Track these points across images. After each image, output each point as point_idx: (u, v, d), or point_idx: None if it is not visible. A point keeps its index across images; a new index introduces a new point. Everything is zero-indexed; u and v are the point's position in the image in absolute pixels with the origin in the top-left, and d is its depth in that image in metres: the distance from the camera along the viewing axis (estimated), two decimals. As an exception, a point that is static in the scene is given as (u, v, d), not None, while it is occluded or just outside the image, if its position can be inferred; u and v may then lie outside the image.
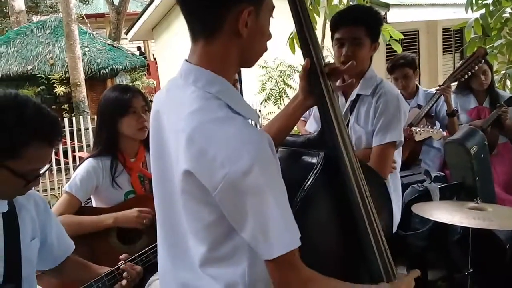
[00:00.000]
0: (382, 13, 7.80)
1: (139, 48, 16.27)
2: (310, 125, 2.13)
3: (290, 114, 1.33)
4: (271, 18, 1.07)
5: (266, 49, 1.08)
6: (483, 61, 3.06)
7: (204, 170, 0.91)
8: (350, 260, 1.31)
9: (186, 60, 1.05)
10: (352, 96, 1.99)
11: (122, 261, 1.63)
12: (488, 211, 1.98)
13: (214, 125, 0.92)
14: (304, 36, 1.24)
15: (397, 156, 2.08)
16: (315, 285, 1.00)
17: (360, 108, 1.98)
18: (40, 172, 1.29)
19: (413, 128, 2.94)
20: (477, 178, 2.42)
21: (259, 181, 0.89)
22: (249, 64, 1.10)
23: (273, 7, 1.07)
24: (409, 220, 2.49)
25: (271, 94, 7.78)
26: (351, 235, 1.27)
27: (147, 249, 1.72)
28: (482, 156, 2.42)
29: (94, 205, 2.06)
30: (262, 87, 7.83)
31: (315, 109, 2.09)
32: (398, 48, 4.91)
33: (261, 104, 7.81)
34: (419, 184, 2.58)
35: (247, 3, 0.97)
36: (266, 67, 7.41)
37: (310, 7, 4.58)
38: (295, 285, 0.96)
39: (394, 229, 2.13)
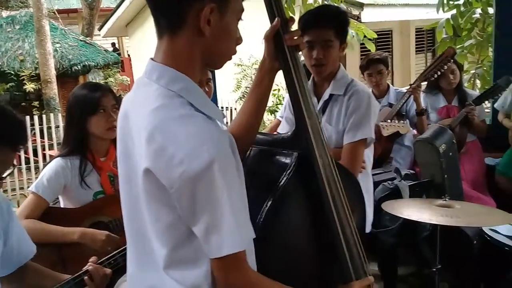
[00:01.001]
0: (356, 12, 7.89)
1: (113, 44, 15.99)
2: (282, 128, 2.13)
3: (260, 81, 1.31)
4: (240, 21, 1.07)
5: (234, 52, 1.08)
6: (451, 60, 3.12)
7: (163, 168, 0.91)
8: (323, 260, 1.32)
9: (151, 58, 1.04)
10: (325, 97, 2.01)
11: (90, 264, 1.59)
12: (455, 208, 2.02)
13: (175, 123, 0.92)
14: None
15: (370, 154, 2.10)
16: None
17: (333, 108, 2.00)
18: (3, 176, 1.26)
19: (380, 123, 2.98)
20: (445, 175, 2.47)
21: (216, 180, 0.89)
22: (215, 65, 1.09)
23: (242, 9, 1.06)
24: (380, 218, 2.53)
25: (246, 92, 7.78)
26: (325, 235, 1.27)
27: (116, 252, 1.68)
28: (450, 154, 2.47)
29: (62, 205, 2.02)
30: (237, 85, 7.83)
31: (287, 111, 2.11)
32: (371, 47, 5.00)
33: (236, 102, 7.81)
34: (389, 182, 2.62)
35: (209, 0, 0.96)
36: (241, 65, 7.42)
37: (285, 5, 4.61)
38: (239, 287, 0.97)
39: (368, 229, 2.16)
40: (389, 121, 3.00)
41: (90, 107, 1.93)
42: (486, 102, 3.38)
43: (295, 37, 1.25)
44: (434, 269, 2.20)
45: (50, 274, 1.58)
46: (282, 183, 1.24)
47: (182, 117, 0.93)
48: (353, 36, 4.70)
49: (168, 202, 0.93)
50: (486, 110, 3.80)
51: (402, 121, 3.02)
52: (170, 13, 0.98)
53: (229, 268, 0.95)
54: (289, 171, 1.26)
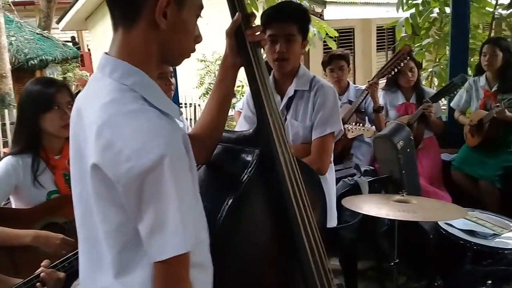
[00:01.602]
0: (319, 10, 7.97)
1: (72, 38, 15.55)
2: (241, 126, 2.12)
3: (223, 77, 1.29)
4: (199, 18, 1.05)
5: (192, 50, 1.06)
6: (409, 58, 3.20)
7: (110, 163, 0.88)
8: (284, 258, 1.31)
9: (105, 52, 1.01)
10: (290, 93, 2.01)
11: (42, 268, 1.53)
12: (412, 204, 2.07)
13: (125, 118, 0.89)
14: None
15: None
16: None
17: (298, 104, 2.01)
18: None
19: (346, 126, 3.04)
20: (403, 171, 2.53)
21: (164, 177, 0.87)
22: (172, 61, 1.07)
23: (201, 6, 1.04)
24: (340, 213, 2.56)
25: (209, 88, 7.75)
26: (286, 233, 1.27)
27: (70, 254, 1.62)
28: (408, 150, 2.52)
29: (13, 206, 1.93)
30: (200, 81, 7.76)
31: (246, 109, 2.10)
32: (333, 45, 5.06)
33: (199, 98, 7.74)
34: (349, 178, 2.66)
35: None
36: (204, 61, 7.36)
37: (249, 1, 4.59)
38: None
39: (335, 223, 2.18)
40: (354, 124, 3.05)
41: (44, 104, 1.85)
42: (443, 99, 3.48)
43: (257, 33, 1.24)
44: (392, 263, 2.24)
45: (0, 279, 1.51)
46: (243, 180, 1.22)
47: (133, 111, 0.90)
48: (315, 34, 4.74)
49: (117, 201, 0.90)
50: (443, 108, 3.92)
51: (366, 124, 3.07)
52: (125, 5, 0.96)
53: (169, 273, 0.91)
54: (250, 168, 1.25)
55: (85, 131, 0.96)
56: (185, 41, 1.02)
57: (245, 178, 1.23)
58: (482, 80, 3.34)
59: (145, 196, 0.87)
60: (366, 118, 3.30)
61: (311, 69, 8.40)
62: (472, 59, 4.59)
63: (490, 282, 1.88)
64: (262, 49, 1.36)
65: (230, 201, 1.18)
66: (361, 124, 3.05)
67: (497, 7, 4.95)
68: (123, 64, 0.96)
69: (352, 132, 3.03)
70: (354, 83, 3.59)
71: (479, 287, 1.87)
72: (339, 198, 2.38)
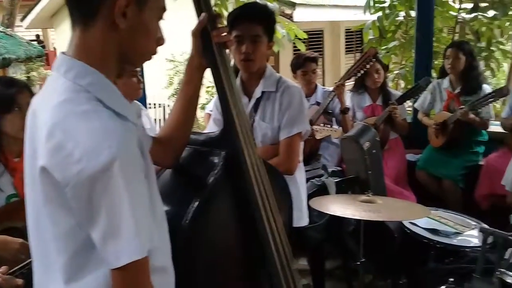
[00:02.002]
0: (289, 12, 8.01)
1: (37, 36, 15.15)
2: (210, 129, 2.11)
3: (189, 78, 1.28)
4: (161, 20, 1.03)
5: (153, 52, 1.04)
6: (375, 60, 3.25)
7: (59, 165, 0.85)
8: (251, 261, 1.32)
9: (62, 52, 0.98)
10: (257, 94, 2.01)
11: (0, 274, 1.47)
12: (377, 204, 2.10)
13: (77, 119, 0.87)
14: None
15: (300, 148, 2.15)
16: None
17: (266, 105, 2.02)
18: None
19: (314, 127, 3.07)
20: (369, 172, 2.56)
21: (116, 181, 0.84)
22: (132, 63, 1.05)
23: (163, 8, 1.02)
24: (308, 214, 2.58)
25: (179, 88, 7.66)
26: (252, 236, 1.27)
27: (29, 260, 1.56)
28: (374, 151, 2.56)
29: (-30, 210, 1.86)
30: (169, 81, 7.67)
31: (215, 112, 2.10)
32: (302, 47, 5.09)
33: (168, 98, 7.66)
34: (317, 179, 2.68)
35: None
36: (173, 61, 7.28)
37: (219, 1, 4.58)
38: None
39: (306, 221, 2.19)
40: (322, 125, 3.08)
41: (4, 105, 1.79)
42: (408, 101, 3.56)
43: (223, 34, 1.23)
44: (358, 262, 2.27)
45: None
46: (209, 183, 1.22)
47: (85, 112, 0.88)
48: (284, 35, 4.76)
49: (67, 205, 0.88)
50: (408, 109, 4.01)
51: (334, 126, 3.11)
52: (83, 3, 0.94)
53: (128, 277, 0.89)
54: (216, 170, 1.24)
55: (38, 133, 0.93)
56: (145, 43, 1.00)
57: (211, 180, 1.22)
58: (445, 82, 3.43)
59: (96, 201, 0.85)
60: (334, 119, 3.35)
61: (281, 70, 8.43)
62: (436, 62, 4.70)
63: (452, 279, 1.92)
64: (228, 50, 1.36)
65: (196, 203, 1.17)
66: (329, 125, 3.09)
67: (460, 11, 5.09)
68: (78, 64, 0.94)
69: (320, 133, 3.06)
70: (324, 85, 3.64)
71: (442, 284, 1.91)
72: (307, 198, 2.39)
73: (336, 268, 3.12)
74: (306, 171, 2.89)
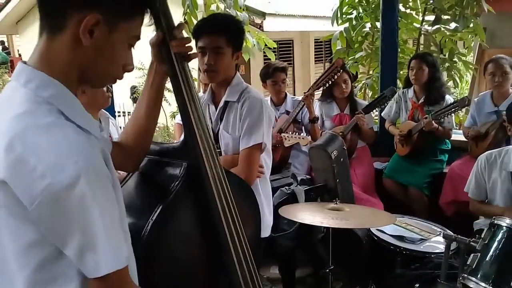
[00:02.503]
0: (259, 21, 8.09)
1: (2, 42, 14.76)
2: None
3: (150, 84, 1.27)
4: (132, 49, 1.02)
5: (118, 77, 1.01)
6: (342, 70, 3.32)
7: (21, 181, 0.82)
8: (214, 274, 1.30)
9: (23, 61, 0.95)
10: (221, 104, 2.02)
11: None
12: (345, 211, 2.14)
13: (38, 132, 0.84)
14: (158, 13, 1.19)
15: (267, 159, 2.15)
16: None
17: (229, 115, 2.01)
18: None
19: (283, 135, 3.11)
20: (337, 180, 2.61)
21: (85, 194, 0.83)
22: (92, 83, 1.02)
23: (137, 37, 1.01)
24: (278, 222, 2.60)
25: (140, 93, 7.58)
26: (215, 248, 1.26)
27: None
28: (341, 160, 2.61)
29: None
30: (138, 89, 7.59)
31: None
32: (272, 56, 5.14)
33: (138, 107, 7.58)
34: (286, 187, 2.70)
35: (97, 11, 0.90)
36: (142, 69, 7.21)
37: (188, 10, 4.58)
38: None
39: (268, 233, 2.20)
40: (290, 132, 3.12)
41: None
42: (374, 110, 3.64)
43: (183, 44, 1.23)
44: (328, 270, 2.30)
45: None
46: (170, 194, 1.21)
47: (48, 125, 0.85)
48: (254, 44, 4.80)
49: (30, 218, 0.85)
50: (375, 119, 4.10)
51: (302, 133, 3.15)
52: (53, 12, 0.92)
53: (109, 284, 0.89)
54: (177, 182, 1.23)
55: None
56: (108, 66, 0.98)
57: (172, 192, 1.21)
58: (410, 92, 3.54)
59: (66, 220, 0.83)
60: (303, 128, 3.39)
61: (252, 79, 8.47)
62: (401, 72, 4.83)
63: (417, 285, 1.98)
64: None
65: (156, 215, 1.16)
66: (297, 133, 3.13)
67: (424, 23, 5.26)
68: (40, 74, 0.91)
69: (289, 140, 3.10)
70: (294, 94, 3.69)
71: (408, 290, 1.96)
72: (277, 207, 2.41)
73: (307, 275, 3.14)
74: (276, 179, 2.92)
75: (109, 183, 0.91)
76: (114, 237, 0.88)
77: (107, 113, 2.64)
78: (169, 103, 4.83)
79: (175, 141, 1.94)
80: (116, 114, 7.13)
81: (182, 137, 1.83)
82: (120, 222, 0.94)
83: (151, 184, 1.32)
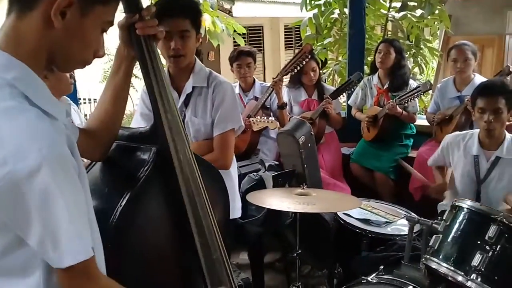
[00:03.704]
0: (228, 6, 7.99)
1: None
2: (137, 123, 2.06)
3: (117, 69, 1.24)
4: (104, 33, 0.99)
5: (87, 61, 0.99)
6: (310, 57, 3.33)
7: None
8: (185, 261, 1.29)
9: None
10: (187, 90, 1.99)
11: None
12: (312, 196, 2.16)
13: (0, 116, 0.81)
14: None
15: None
16: None
17: (197, 101, 1.99)
18: None
19: (251, 119, 3.11)
20: (305, 165, 2.62)
21: (48, 183, 0.80)
22: (61, 67, 1.00)
23: (110, 22, 0.98)
24: (247, 208, 2.60)
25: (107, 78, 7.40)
26: (185, 233, 1.24)
27: None
28: (309, 145, 2.62)
29: None
30: (105, 75, 7.41)
31: (142, 106, 2.05)
32: (241, 42, 5.09)
33: (104, 94, 7.41)
34: (254, 173, 2.70)
35: None
36: (109, 55, 7.03)
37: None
38: None
39: (239, 214, 2.20)
40: (259, 117, 3.11)
41: None
42: (342, 96, 3.67)
43: (149, 26, 1.20)
44: (295, 254, 2.32)
45: None
46: (139, 180, 1.18)
47: (9, 109, 0.82)
48: (223, 30, 4.75)
49: None
50: (343, 104, 4.13)
51: (271, 117, 3.15)
52: None
53: (76, 277, 0.87)
54: (146, 167, 1.20)
55: None
56: (79, 50, 0.95)
57: (141, 177, 1.19)
58: (375, 78, 3.58)
59: (29, 208, 0.80)
60: (271, 114, 3.39)
61: (221, 65, 8.39)
62: (369, 58, 4.88)
63: (382, 267, 2.01)
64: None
65: (124, 202, 1.14)
66: (265, 117, 3.13)
67: (391, 9, 5.31)
68: (4, 55, 0.87)
69: (257, 124, 3.10)
70: (264, 81, 3.69)
71: (373, 272, 1.99)
72: (245, 193, 2.41)
73: (275, 260, 3.17)
74: (244, 165, 2.92)
75: (75, 172, 0.88)
76: (79, 228, 0.86)
77: (68, 99, 2.56)
78: (136, 90, 4.73)
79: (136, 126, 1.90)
80: (82, 101, 6.96)
81: (137, 120, 1.79)
82: (86, 211, 0.92)
83: (119, 169, 1.30)
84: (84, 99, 7.18)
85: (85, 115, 6.12)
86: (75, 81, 2.63)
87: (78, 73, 2.77)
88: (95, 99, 7.19)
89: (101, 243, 1.02)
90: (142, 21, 1.18)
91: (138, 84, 3.48)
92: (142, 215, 1.19)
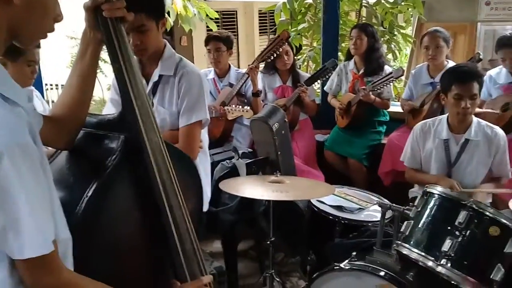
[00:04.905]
0: (201, -10, 7.83)
1: None
2: (108, 110, 1.99)
3: (83, 54, 1.20)
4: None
5: (50, 30, 0.96)
6: (286, 43, 3.29)
7: None
8: (155, 253, 1.26)
9: None
10: (154, 78, 1.93)
11: None
12: (286, 183, 2.14)
13: None
14: None
15: (205, 134, 2.10)
16: None
17: (164, 90, 1.95)
18: None
19: (226, 108, 3.06)
20: (279, 152, 2.60)
21: (8, 174, 0.77)
22: (24, 41, 0.96)
23: None
24: (220, 196, 2.57)
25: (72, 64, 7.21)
26: (156, 224, 1.21)
27: None
28: (283, 132, 2.60)
29: None
30: (72, 60, 7.20)
31: (112, 92, 1.99)
32: (213, 27, 5.01)
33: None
34: (228, 161, 2.67)
35: None
36: (75, 38, 6.82)
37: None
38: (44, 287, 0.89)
39: (206, 207, 2.18)
40: (234, 105, 3.07)
41: None
42: (316, 83, 3.65)
43: (117, 8, 1.15)
44: (269, 242, 2.32)
45: None
46: (106, 169, 1.15)
47: None
48: (195, 14, 4.66)
49: None
50: (317, 91, 4.12)
51: (246, 106, 3.12)
52: None
53: (36, 270, 0.86)
54: (114, 156, 1.17)
55: None
56: (41, 21, 0.92)
57: (108, 166, 1.15)
58: (351, 64, 3.58)
59: None
60: (246, 101, 3.35)
61: (194, 50, 8.26)
62: (344, 45, 4.87)
63: (354, 253, 2.02)
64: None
65: (91, 192, 1.10)
66: (240, 106, 3.09)
67: (365, -5, 5.30)
68: None
69: (232, 113, 3.06)
70: (238, 67, 3.63)
71: (346, 258, 2.00)
72: (218, 181, 2.38)
73: (249, 248, 3.17)
74: (218, 153, 2.88)
75: (37, 161, 0.84)
76: (41, 221, 0.84)
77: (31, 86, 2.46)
78: (105, 75, 4.62)
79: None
80: (48, 86, 6.76)
81: (107, 106, 1.72)
82: (50, 203, 0.89)
83: (85, 158, 1.25)
84: (51, 85, 6.98)
85: (53, 102, 5.95)
86: (39, 66, 2.52)
87: (44, 58, 2.66)
88: (62, 85, 6.99)
89: (69, 234, 0.99)
90: (109, 2, 1.14)
91: (107, 69, 3.37)
92: (109, 205, 1.16)
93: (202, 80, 1.94)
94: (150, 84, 1.93)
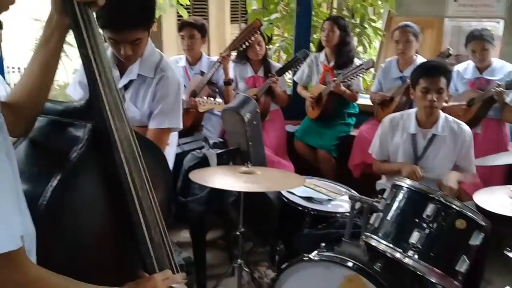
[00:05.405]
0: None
1: None
2: (75, 93, 1.92)
3: (47, 39, 1.13)
4: None
5: (12, 1, 0.91)
6: (258, 32, 3.26)
7: None
8: (123, 246, 1.22)
9: None
10: (132, 76, 1.88)
11: None
12: (256, 174, 2.14)
13: None
14: None
15: (174, 137, 2.09)
16: (40, 285, 0.90)
17: (140, 89, 1.90)
18: None
19: (197, 99, 3.01)
20: (250, 143, 2.58)
21: None
22: None
23: None
24: (189, 186, 2.54)
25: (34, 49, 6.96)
26: (123, 215, 1.17)
27: None
28: (254, 123, 2.58)
29: None
30: (36, 43, 6.95)
31: (81, 74, 1.92)
32: (184, 13, 4.93)
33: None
34: (198, 150, 2.63)
35: None
36: (40, 21, 6.56)
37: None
38: (12, 285, 0.84)
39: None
40: (205, 97, 3.02)
41: None
42: (288, 73, 3.64)
43: None
44: (238, 232, 2.31)
45: None
46: (72, 159, 1.09)
47: None
48: (165, 0, 4.56)
49: None
50: (288, 82, 4.12)
51: (217, 99, 3.07)
52: None
53: (3, 268, 0.82)
54: (80, 145, 1.11)
55: None
56: None
57: (74, 156, 1.10)
58: (322, 56, 3.58)
59: None
60: (217, 90, 3.31)
61: (163, 36, 8.11)
62: (315, 36, 4.87)
63: (323, 244, 2.03)
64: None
65: (55, 182, 1.05)
66: (212, 98, 3.05)
67: (337, -13, 5.31)
68: None
69: (203, 105, 3.01)
70: (209, 55, 3.57)
71: (315, 249, 2.01)
72: (188, 171, 2.35)
73: (217, 238, 3.15)
74: (187, 142, 2.84)
75: (3, 151, 0.80)
76: (7, 215, 0.79)
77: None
78: (71, 59, 4.47)
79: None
80: (10, 69, 6.50)
81: (75, 88, 1.65)
82: (17, 196, 0.85)
83: (49, 147, 1.19)
84: (13, 68, 6.70)
85: (15, 85, 5.72)
86: (0, 49, 2.40)
87: (6, 40, 2.54)
88: (25, 69, 6.73)
89: (33, 228, 0.95)
90: None
91: (73, 52, 3.27)
92: (75, 197, 1.11)
93: (180, 88, 1.92)
94: (125, 79, 1.88)
